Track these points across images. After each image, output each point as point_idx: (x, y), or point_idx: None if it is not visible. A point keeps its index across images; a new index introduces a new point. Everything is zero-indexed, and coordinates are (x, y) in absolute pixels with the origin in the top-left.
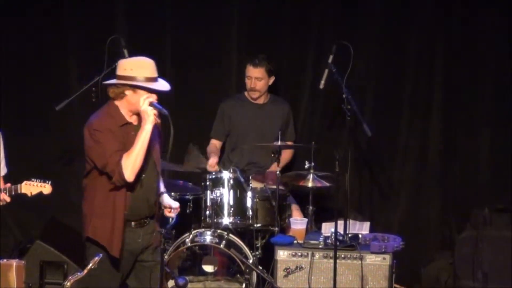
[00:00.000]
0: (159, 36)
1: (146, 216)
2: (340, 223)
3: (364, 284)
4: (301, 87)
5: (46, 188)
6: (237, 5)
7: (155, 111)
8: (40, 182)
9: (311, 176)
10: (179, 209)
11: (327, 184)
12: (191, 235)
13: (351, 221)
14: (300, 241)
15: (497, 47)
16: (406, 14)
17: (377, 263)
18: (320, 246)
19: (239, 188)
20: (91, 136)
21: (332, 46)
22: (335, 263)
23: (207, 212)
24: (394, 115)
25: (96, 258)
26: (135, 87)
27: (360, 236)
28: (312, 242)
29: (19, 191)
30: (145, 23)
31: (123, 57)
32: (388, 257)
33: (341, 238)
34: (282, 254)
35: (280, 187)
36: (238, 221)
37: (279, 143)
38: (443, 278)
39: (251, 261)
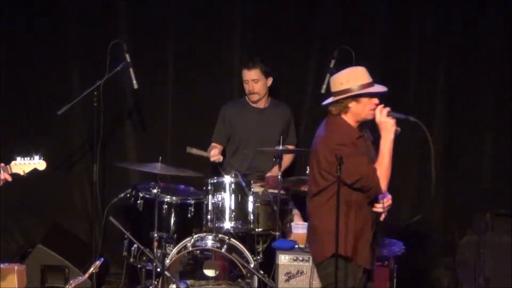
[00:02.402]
0: (161, 41)
1: None
2: None
3: None
4: (303, 92)
5: (40, 164)
6: (239, 10)
7: (394, 120)
8: (32, 159)
9: None
10: (390, 202)
11: None
12: (192, 240)
13: None
14: (301, 246)
15: (499, 53)
16: (408, 20)
17: (379, 267)
18: None
19: (240, 192)
20: (335, 152)
21: (334, 51)
22: (336, 267)
23: (209, 217)
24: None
25: (97, 262)
26: (357, 97)
27: None
28: None
29: (9, 172)
30: (147, 28)
31: (125, 61)
32: (389, 262)
33: None
34: (283, 259)
35: (282, 192)
36: (240, 226)
37: (281, 147)
38: (445, 283)
39: (252, 265)
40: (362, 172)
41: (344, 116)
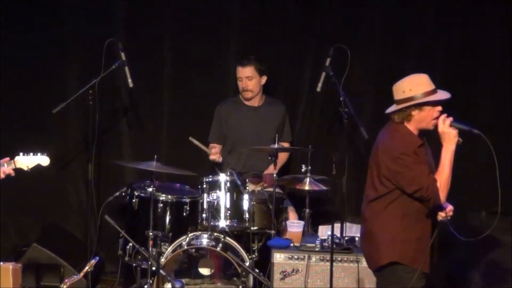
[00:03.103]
0: (157, 40)
1: None
2: (337, 226)
3: (361, 287)
4: (299, 90)
5: (44, 160)
6: (236, 9)
7: (456, 131)
8: (36, 155)
9: (308, 180)
10: (451, 212)
11: (324, 188)
12: (187, 238)
13: (347, 224)
14: (297, 244)
15: (499, 53)
16: (405, 18)
17: None
18: (317, 249)
19: (235, 191)
20: (396, 161)
21: (330, 49)
22: (331, 266)
23: (204, 215)
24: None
25: (92, 261)
26: (420, 105)
27: (356, 239)
28: (309, 245)
29: (14, 166)
30: (143, 26)
31: (121, 59)
32: None
33: (337, 241)
34: (278, 257)
35: (277, 190)
36: (235, 224)
37: (276, 145)
38: (440, 281)
39: (247, 264)
40: (422, 182)
41: (406, 124)
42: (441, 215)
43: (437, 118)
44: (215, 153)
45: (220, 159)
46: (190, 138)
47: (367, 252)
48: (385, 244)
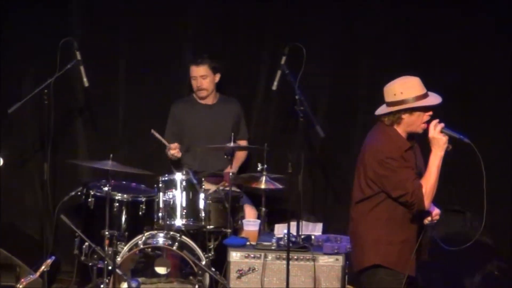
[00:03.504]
0: (112, 38)
1: None
2: (293, 224)
3: (317, 285)
4: (254, 89)
5: None
6: (191, 8)
7: (446, 137)
8: None
9: (264, 178)
10: (438, 216)
11: (280, 186)
12: (143, 237)
13: (304, 222)
14: (253, 243)
15: (497, 54)
16: (360, 16)
17: (330, 264)
18: (273, 248)
19: (191, 190)
20: (382, 164)
21: (285, 48)
22: (287, 264)
23: (160, 214)
24: (348, 116)
25: (48, 261)
26: (411, 110)
27: (313, 237)
28: (265, 243)
29: None
30: (99, 25)
31: (76, 59)
32: (341, 258)
33: (294, 239)
34: (234, 256)
35: (234, 189)
36: (191, 223)
37: (232, 144)
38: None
39: (203, 262)
40: (407, 187)
41: (396, 127)
42: (427, 219)
43: (427, 122)
44: (175, 147)
45: (179, 154)
46: (152, 131)
47: (352, 253)
48: (369, 246)
